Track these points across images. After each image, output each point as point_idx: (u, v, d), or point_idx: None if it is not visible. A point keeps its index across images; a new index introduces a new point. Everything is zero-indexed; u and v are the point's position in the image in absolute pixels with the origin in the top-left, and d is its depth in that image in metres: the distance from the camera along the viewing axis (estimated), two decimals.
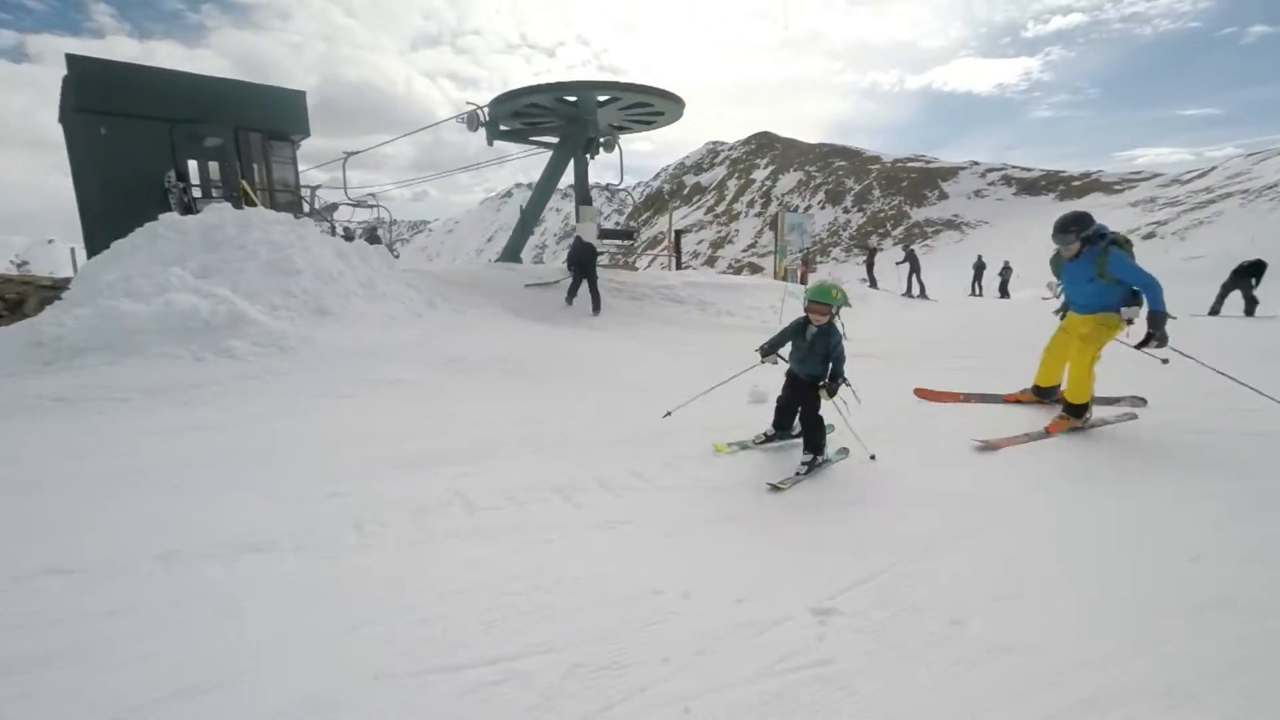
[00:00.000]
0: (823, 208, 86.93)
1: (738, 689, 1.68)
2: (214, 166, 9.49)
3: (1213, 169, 47.90)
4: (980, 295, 21.02)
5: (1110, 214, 51.13)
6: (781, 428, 3.83)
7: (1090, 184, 62.87)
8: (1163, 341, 3.69)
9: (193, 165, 9.96)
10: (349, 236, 11.32)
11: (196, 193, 9.65)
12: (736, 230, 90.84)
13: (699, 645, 1.86)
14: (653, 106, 12.60)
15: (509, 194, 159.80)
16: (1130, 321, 3.85)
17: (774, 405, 3.85)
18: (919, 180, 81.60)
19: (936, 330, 10.10)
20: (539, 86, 11.62)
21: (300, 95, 10.73)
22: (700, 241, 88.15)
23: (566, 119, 12.95)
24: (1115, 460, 3.59)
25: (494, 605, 2.08)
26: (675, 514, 2.87)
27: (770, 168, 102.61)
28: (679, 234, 14.62)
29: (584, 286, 9.81)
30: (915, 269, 17.59)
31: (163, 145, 9.42)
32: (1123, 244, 3.92)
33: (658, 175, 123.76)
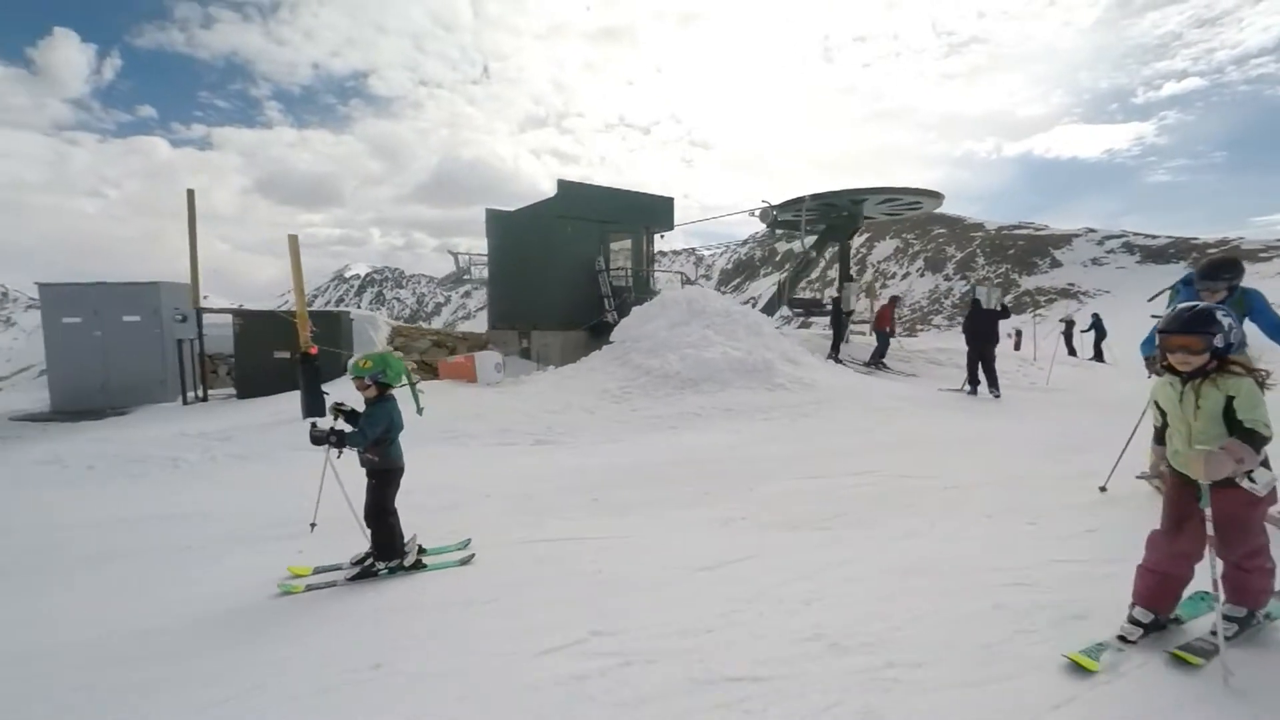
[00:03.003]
0: (921, 275, 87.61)
1: None
2: (624, 253, 13.00)
3: None
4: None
5: (1259, 284, 49.33)
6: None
7: (1228, 251, 60.93)
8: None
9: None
10: None
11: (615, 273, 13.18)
12: (833, 295, 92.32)
13: None
14: (918, 202, 15.49)
15: None
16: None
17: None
18: (1027, 248, 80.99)
19: None
20: (838, 191, 14.74)
21: (670, 200, 14.38)
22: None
23: (833, 212, 16.00)
24: None
25: None
26: None
27: (866, 235, 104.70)
28: (894, 299, 15.92)
29: None
30: (1101, 334, 19.26)
31: (595, 239, 13.08)
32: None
33: (745, 241, 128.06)
